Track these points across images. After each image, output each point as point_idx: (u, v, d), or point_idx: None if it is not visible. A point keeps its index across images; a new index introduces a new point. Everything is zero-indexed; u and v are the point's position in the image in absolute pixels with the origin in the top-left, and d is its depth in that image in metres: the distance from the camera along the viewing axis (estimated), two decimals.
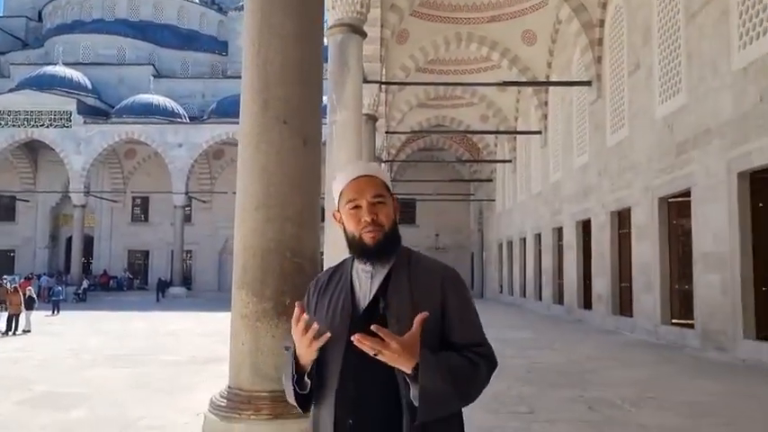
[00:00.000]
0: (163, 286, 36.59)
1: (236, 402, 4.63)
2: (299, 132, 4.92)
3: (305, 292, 5.18)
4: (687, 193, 12.54)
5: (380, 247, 1.81)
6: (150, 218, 44.36)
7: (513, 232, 30.24)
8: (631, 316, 15.27)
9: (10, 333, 16.73)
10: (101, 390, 8.56)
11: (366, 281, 1.85)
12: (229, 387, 4.80)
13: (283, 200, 4.80)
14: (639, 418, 6.36)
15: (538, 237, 25.31)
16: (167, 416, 7.05)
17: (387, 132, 25.38)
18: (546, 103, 24.10)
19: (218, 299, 35.63)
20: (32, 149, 42.41)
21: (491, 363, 1.79)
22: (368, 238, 1.81)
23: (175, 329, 18.29)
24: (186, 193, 38.29)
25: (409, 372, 1.65)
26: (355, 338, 1.58)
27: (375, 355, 1.59)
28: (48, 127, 38.31)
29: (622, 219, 16.27)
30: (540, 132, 24.31)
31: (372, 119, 18.27)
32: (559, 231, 22.15)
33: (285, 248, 4.77)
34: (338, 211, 1.91)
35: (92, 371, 10.31)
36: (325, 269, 2.04)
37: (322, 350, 1.74)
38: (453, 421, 1.80)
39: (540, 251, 25.09)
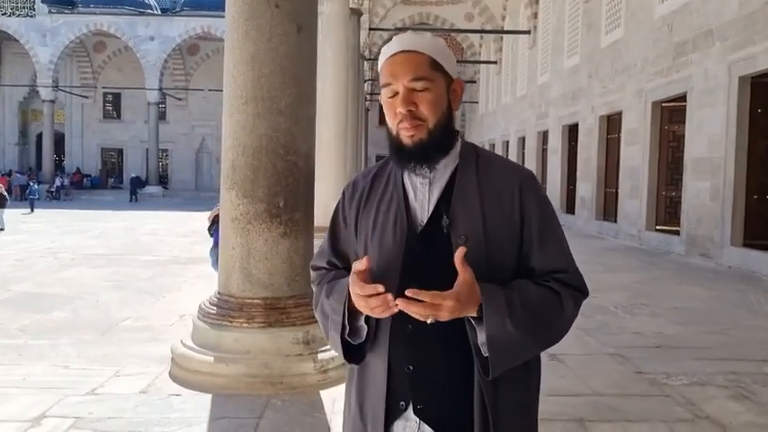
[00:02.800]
0: (135, 185, 35.84)
1: (226, 310, 4.38)
2: (293, 17, 4.42)
3: (299, 192, 4.80)
4: (682, 98, 12.18)
5: (422, 149, 1.39)
6: (123, 115, 43.04)
7: (496, 135, 29.85)
8: (615, 221, 15.26)
9: None
10: (81, 290, 8.32)
11: (423, 188, 1.44)
12: (219, 293, 4.55)
13: (275, 92, 4.37)
14: (634, 325, 6.29)
15: (522, 140, 24.98)
16: (152, 317, 6.86)
17: (370, 29, 24.31)
18: (537, 1, 23.11)
19: (195, 198, 35.29)
20: None
21: (579, 293, 1.43)
22: (405, 136, 1.39)
23: (154, 229, 17.99)
24: (160, 90, 36.97)
25: (474, 314, 1.31)
26: (400, 305, 1.25)
27: (430, 322, 1.27)
28: (10, 16, 36.18)
29: (612, 123, 15.94)
30: (528, 32, 23.45)
31: (357, 13, 17.37)
32: (545, 135, 21.81)
33: (278, 145, 4.39)
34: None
35: (71, 270, 10.05)
36: (366, 168, 1.64)
37: (373, 279, 1.35)
38: (533, 365, 1.47)
39: (523, 155, 24.82)
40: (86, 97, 41.69)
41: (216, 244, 8.15)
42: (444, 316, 1.25)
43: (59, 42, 36.45)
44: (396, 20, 32.23)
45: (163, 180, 40.56)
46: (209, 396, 4.02)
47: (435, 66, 1.40)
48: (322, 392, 4.16)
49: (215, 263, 8.14)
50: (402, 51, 1.40)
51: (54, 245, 13.59)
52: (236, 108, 4.40)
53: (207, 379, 4.14)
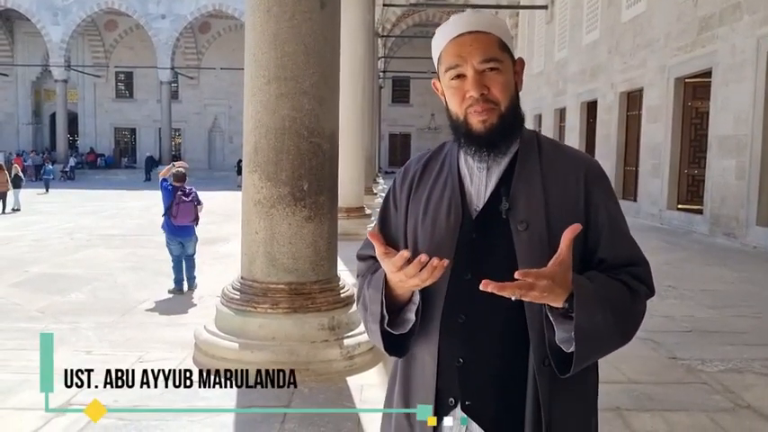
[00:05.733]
0: (150, 164, 35.79)
1: (250, 295, 4.29)
2: None
3: (324, 175, 4.67)
4: (707, 74, 11.88)
5: (494, 134, 1.32)
6: (135, 94, 42.92)
7: None
8: (635, 200, 15.03)
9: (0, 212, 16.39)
10: (98, 272, 8.30)
11: (480, 173, 1.37)
12: (242, 278, 4.45)
13: (299, 72, 4.23)
14: (663, 308, 6.14)
15: (538, 118, 24.64)
16: (170, 299, 6.83)
17: (384, 5, 23.95)
18: None
19: (209, 178, 35.24)
20: (7, 19, 40.18)
21: (649, 291, 1.34)
22: (476, 121, 1.31)
23: None
24: (172, 69, 36.77)
25: (559, 306, 1.20)
26: (486, 286, 1.11)
27: (514, 298, 1.15)
28: None
29: (632, 100, 15.62)
30: (545, 7, 23.00)
31: None
32: (562, 112, 21.49)
33: (301, 127, 4.26)
34: (438, 80, 1.40)
35: (87, 251, 10.03)
36: (420, 153, 1.54)
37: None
38: (591, 370, 1.38)
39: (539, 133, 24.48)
40: (99, 76, 41.55)
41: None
42: (534, 296, 1.14)
43: (71, 21, 36.24)
44: None
45: (176, 159, 40.45)
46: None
47: (503, 46, 1.35)
48: (348, 379, 4.08)
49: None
50: (470, 32, 1.33)
51: (70, 225, 13.59)
52: (259, 88, 4.26)
53: (232, 366, 4.05)
